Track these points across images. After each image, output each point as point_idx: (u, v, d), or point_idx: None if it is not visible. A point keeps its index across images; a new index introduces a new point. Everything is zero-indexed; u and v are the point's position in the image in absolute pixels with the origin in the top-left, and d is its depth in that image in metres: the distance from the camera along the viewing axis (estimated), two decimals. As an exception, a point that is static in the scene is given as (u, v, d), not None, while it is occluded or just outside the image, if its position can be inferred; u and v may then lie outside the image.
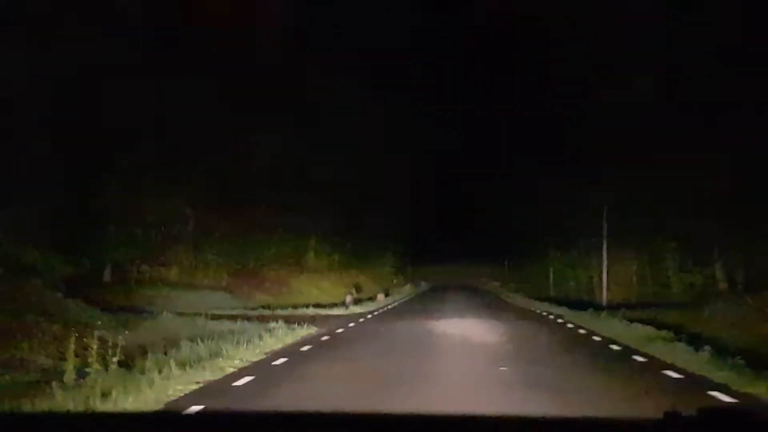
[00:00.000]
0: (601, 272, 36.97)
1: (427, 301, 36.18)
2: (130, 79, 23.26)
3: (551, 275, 51.27)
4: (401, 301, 37.68)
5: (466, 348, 13.04)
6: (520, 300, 39.74)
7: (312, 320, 20.17)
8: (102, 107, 21.31)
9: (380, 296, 37.05)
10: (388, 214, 55.66)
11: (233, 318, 18.46)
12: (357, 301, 30.61)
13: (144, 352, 11.22)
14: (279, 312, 23.24)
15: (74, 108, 20.03)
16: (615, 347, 13.80)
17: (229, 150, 29.85)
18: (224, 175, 29.66)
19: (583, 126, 39.56)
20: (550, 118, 44.59)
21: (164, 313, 18.41)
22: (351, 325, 19.07)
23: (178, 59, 24.97)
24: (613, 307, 28.31)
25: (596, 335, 16.39)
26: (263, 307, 24.54)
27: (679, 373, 10.25)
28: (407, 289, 54.62)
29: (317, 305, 26.76)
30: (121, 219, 23.43)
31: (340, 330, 17.21)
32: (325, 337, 15.28)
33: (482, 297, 44.15)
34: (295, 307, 25.43)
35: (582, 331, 17.75)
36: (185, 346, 12.11)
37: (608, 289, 35.21)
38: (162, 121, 25.16)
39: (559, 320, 21.98)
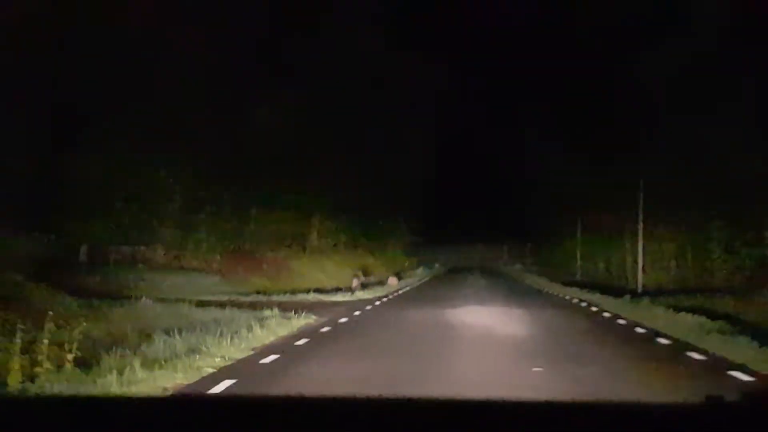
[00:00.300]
0: (636, 253, 35.94)
1: (443, 286, 35.11)
2: (108, 36, 22.16)
3: (578, 257, 50.14)
4: (414, 285, 36.64)
5: (491, 343, 11.91)
6: (546, 285, 38.60)
7: (312, 308, 19.11)
8: (72, 66, 20.24)
9: (392, 280, 35.97)
10: (400, 191, 54.56)
11: (222, 305, 17.43)
12: (364, 286, 29.58)
13: (111, 347, 10.22)
14: (275, 298, 22.22)
15: (39, 66, 18.98)
16: (664, 341, 12.67)
17: (223, 117, 28.73)
18: (216, 145, 28.54)
19: (616, 92, 38.30)
20: (579, 82, 43.27)
21: (143, 298, 17.43)
22: (356, 313, 17.99)
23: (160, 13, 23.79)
24: (651, 293, 27.23)
25: (639, 326, 15.26)
26: (258, 292, 23.46)
27: (748, 374, 9.13)
28: (420, 272, 53.61)
29: (319, 290, 25.72)
30: (97, 193, 22.35)
31: (343, 320, 16.12)
32: (325, 329, 14.20)
33: (504, 281, 43.04)
34: (293, 292, 24.37)
35: (621, 322, 16.64)
36: (159, 340, 11.09)
37: (644, 272, 34.13)
38: (145, 83, 24.05)
39: (593, 308, 20.85)
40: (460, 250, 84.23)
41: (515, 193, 73.98)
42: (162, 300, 18.22)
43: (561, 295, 28.78)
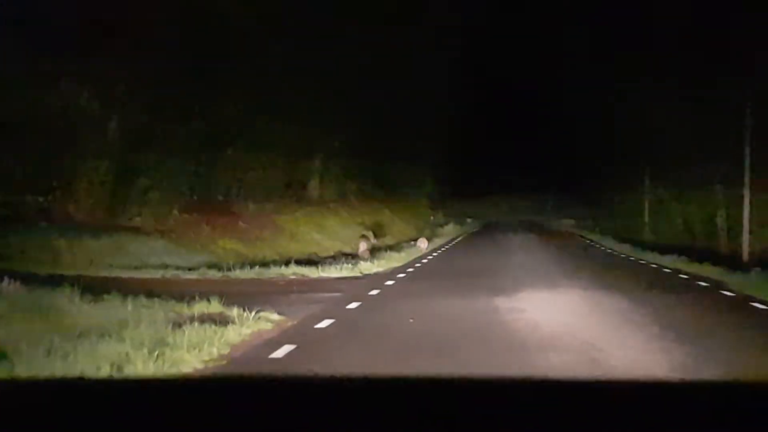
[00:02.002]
0: (738, 209, 30.10)
1: (483, 252, 29.07)
2: None
3: (647, 214, 44.08)
4: (442, 250, 30.61)
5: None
6: (620, 248, 32.50)
7: (283, 294, 13.43)
8: None
9: (422, 242, 29.78)
10: (424, 133, 48.75)
11: (128, 293, 11.65)
12: (374, 252, 23.80)
13: None
14: (235, 274, 16.51)
15: None
16: None
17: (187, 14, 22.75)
18: (176, 53, 22.61)
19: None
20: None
21: (5, 280, 11.77)
22: (351, 306, 12.04)
23: None
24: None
25: None
26: (211, 266, 17.56)
27: None
28: (450, 231, 47.57)
29: (308, 261, 19.87)
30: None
31: (324, 323, 10.16)
32: (281, 352, 8.21)
33: (561, 243, 36.74)
34: (265, 264, 18.51)
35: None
36: None
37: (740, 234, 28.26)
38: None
39: (726, 292, 14.88)
40: (494, 203, 78.53)
41: (561, 135, 67.59)
42: (46, 280, 12.67)
43: (654, 266, 22.85)
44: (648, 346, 8.51)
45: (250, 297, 12.11)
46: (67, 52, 19.12)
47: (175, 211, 24.03)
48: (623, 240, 36.61)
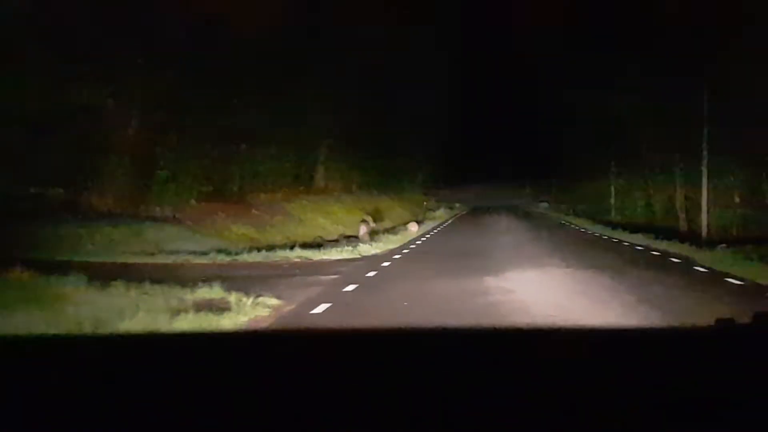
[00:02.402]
0: (692, 190, 29.04)
1: (471, 232, 27.78)
2: None
3: (612, 196, 42.75)
4: (434, 231, 29.31)
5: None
6: (591, 228, 31.21)
7: (284, 276, 12.17)
8: None
9: (412, 226, 28.21)
10: (418, 128, 47.32)
11: (138, 276, 10.37)
12: (374, 235, 22.52)
13: None
14: (243, 257, 15.22)
15: None
16: None
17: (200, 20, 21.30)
18: (191, 57, 21.23)
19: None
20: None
21: (18, 269, 10.48)
22: (348, 289, 10.76)
23: None
24: (729, 241, 20.23)
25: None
26: (221, 250, 16.22)
27: None
28: (441, 214, 46.25)
29: (312, 244, 18.63)
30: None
31: (321, 308, 8.87)
32: (274, 339, 7.07)
33: (540, 224, 35.45)
34: (271, 248, 17.19)
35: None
36: None
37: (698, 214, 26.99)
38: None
39: (699, 268, 13.62)
40: (478, 190, 77.36)
41: (536, 129, 66.51)
42: (60, 267, 11.35)
43: (627, 243, 21.56)
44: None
45: (253, 280, 10.91)
46: (92, 53, 17.79)
47: (193, 201, 22.78)
48: (594, 220, 35.36)
